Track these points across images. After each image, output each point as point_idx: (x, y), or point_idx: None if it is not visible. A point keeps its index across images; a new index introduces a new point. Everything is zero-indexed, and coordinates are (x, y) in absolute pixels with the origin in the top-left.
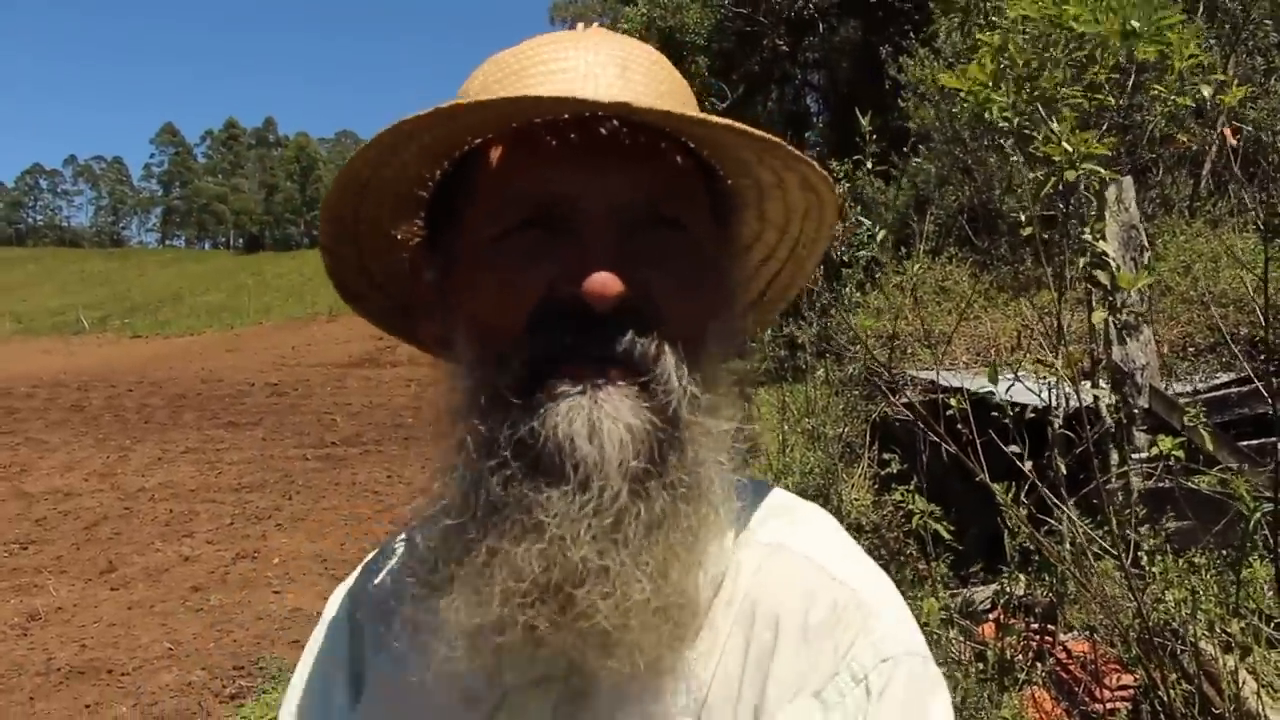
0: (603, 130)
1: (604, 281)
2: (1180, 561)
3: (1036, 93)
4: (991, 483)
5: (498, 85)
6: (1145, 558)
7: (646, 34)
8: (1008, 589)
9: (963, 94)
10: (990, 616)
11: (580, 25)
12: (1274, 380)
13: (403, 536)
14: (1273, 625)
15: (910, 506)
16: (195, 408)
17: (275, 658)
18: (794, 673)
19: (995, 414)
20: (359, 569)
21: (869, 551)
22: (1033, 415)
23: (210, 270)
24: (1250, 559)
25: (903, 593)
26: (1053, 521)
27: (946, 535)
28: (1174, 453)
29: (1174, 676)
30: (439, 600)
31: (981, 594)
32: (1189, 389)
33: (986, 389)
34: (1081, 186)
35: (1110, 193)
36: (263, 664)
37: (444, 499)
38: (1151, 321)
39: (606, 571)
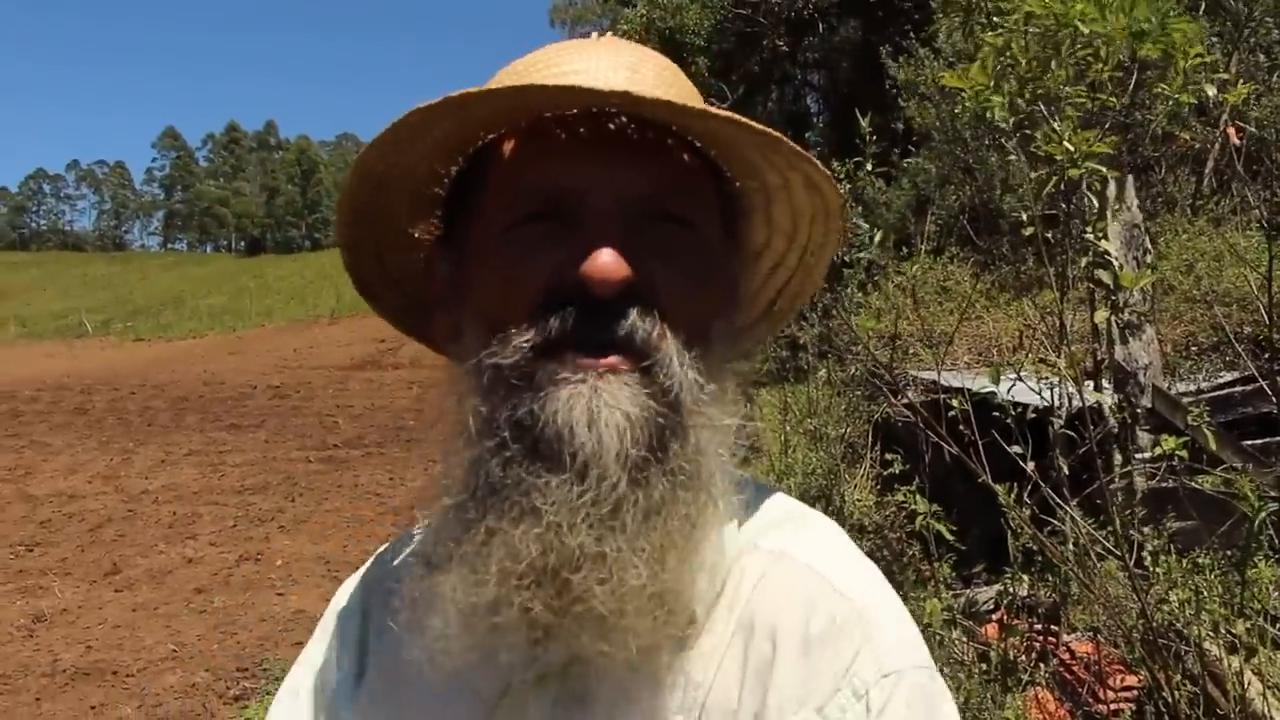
0: (611, 126)
1: (607, 266)
2: (1184, 562)
3: (1040, 91)
4: (994, 483)
5: (510, 82)
6: (1149, 558)
7: (646, 35)
8: (1011, 589)
9: (964, 94)
10: (993, 617)
11: (594, 34)
12: (1278, 379)
13: (417, 529)
14: (1278, 626)
15: (913, 507)
16: (198, 410)
17: (279, 659)
18: (794, 684)
19: (998, 414)
20: (372, 558)
21: (872, 553)
22: (1034, 415)
23: (212, 273)
24: (1255, 559)
25: (906, 594)
26: (1056, 522)
27: (949, 536)
28: (1177, 452)
29: (1178, 677)
30: (436, 579)
31: (985, 595)
32: (1192, 388)
33: (988, 389)
34: (1083, 186)
35: (1112, 191)
36: (266, 666)
37: (446, 480)
38: (1154, 321)
39: (603, 557)
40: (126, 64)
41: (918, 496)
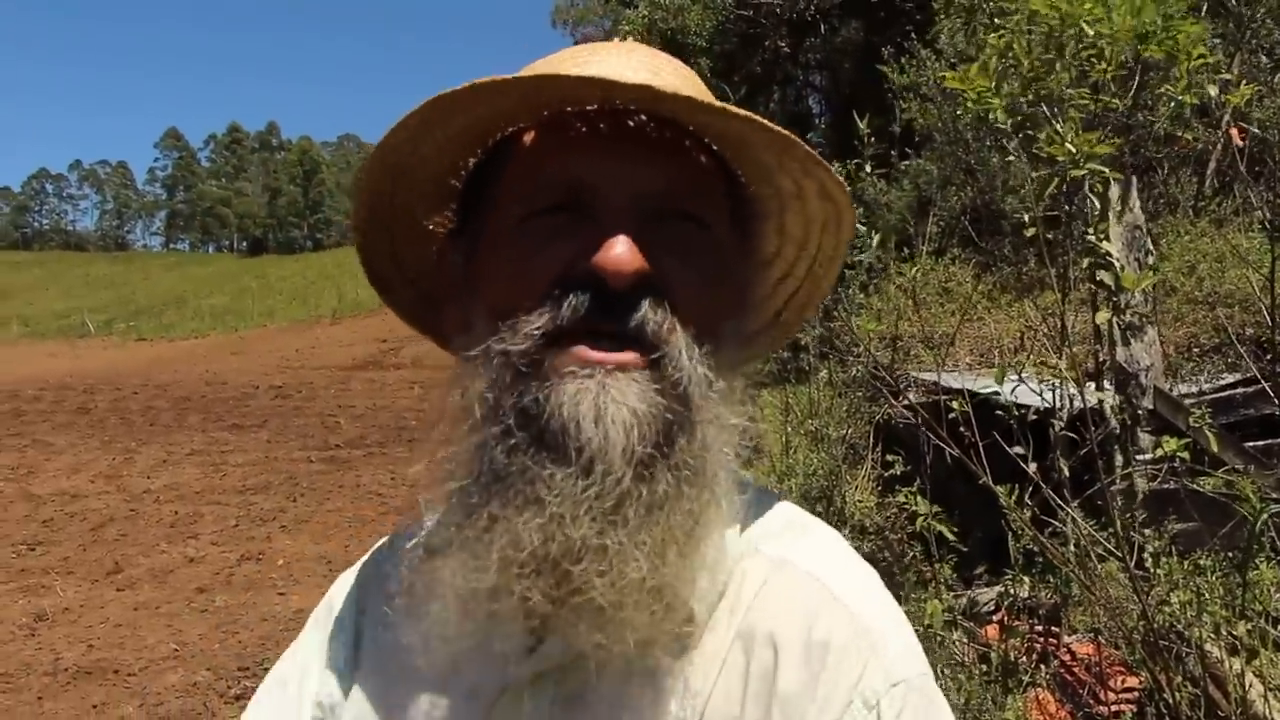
0: (630, 123)
1: (621, 257)
2: (1185, 563)
3: (1044, 93)
4: (995, 485)
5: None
6: (1150, 560)
7: (648, 36)
8: (1012, 591)
9: (965, 96)
10: (994, 618)
11: (616, 39)
12: None
13: (414, 524)
14: (1279, 628)
15: (914, 508)
16: (200, 410)
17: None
18: (801, 697)
19: (1000, 413)
20: (369, 553)
21: (873, 554)
22: (1036, 417)
23: (214, 273)
24: (1256, 560)
25: (907, 595)
26: (1057, 523)
27: (950, 537)
28: (1179, 454)
29: (1179, 679)
30: (437, 563)
31: (986, 596)
32: (1194, 390)
33: (989, 390)
34: (1086, 187)
35: (1114, 193)
36: (267, 665)
37: (449, 465)
38: (1156, 322)
39: (604, 550)
40: (129, 65)
41: (919, 498)
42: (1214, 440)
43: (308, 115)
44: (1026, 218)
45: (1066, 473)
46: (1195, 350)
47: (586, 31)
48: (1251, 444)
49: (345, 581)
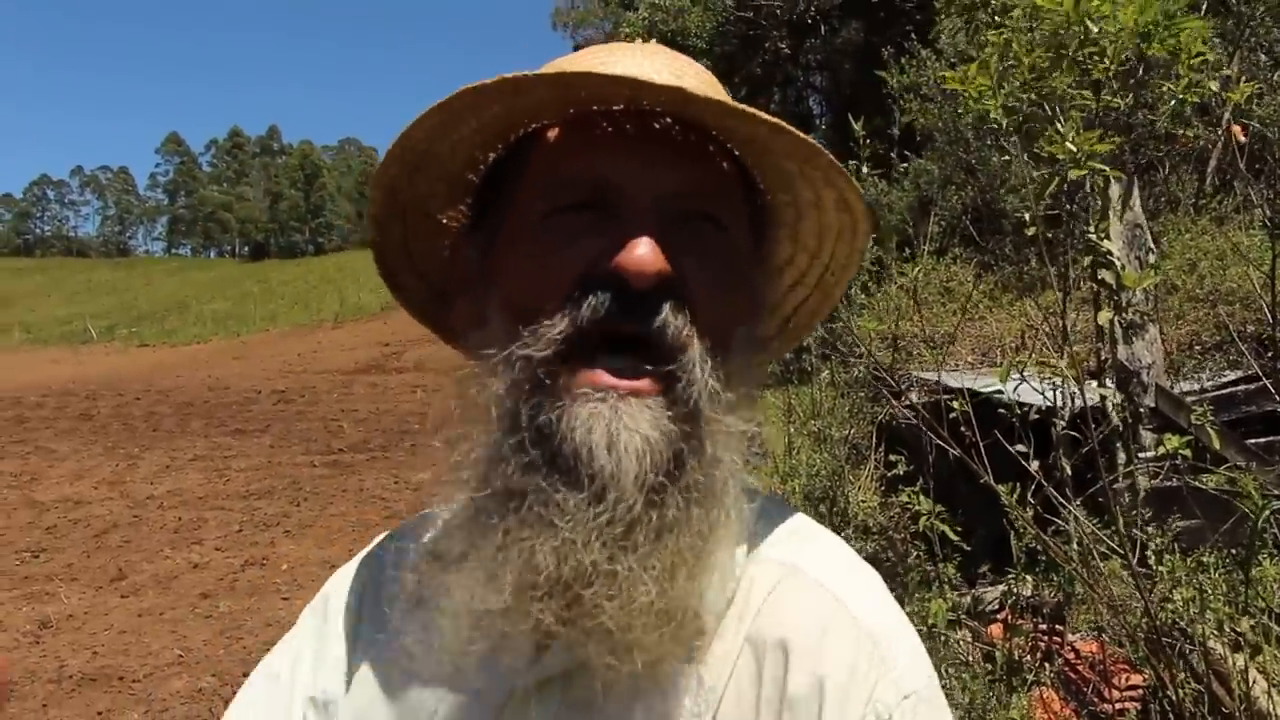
0: (656, 125)
1: (644, 258)
2: (1188, 560)
3: (1046, 91)
4: (998, 484)
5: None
6: (1153, 557)
7: (648, 38)
8: (1015, 590)
9: (966, 95)
10: (998, 617)
11: (638, 40)
12: None
13: (421, 515)
14: None
15: (917, 508)
16: (202, 415)
17: None
18: (809, 701)
19: (1002, 412)
20: (369, 548)
21: (876, 554)
22: (1038, 416)
23: (216, 278)
24: (1259, 557)
25: (910, 594)
26: (1060, 522)
27: (953, 536)
28: (1181, 451)
29: (1183, 676)
30: (448, 576)
31: (990, 595)
32: (1196, 387)
33: (991, 389)
34: (1087, 186)
35: (1114, 191)
36: None
37: (463, 471)
38: (1158, 320)
39: (614, 575)
40: (130, 70)
41: (921, 497)
42: (1216, 437)
43: (309, 119)
44: (1027, 217)
45: (1069, 471)
46: (1197, 348)
47: (587, 34)
48: (1253, 441)
49: (344, 576)
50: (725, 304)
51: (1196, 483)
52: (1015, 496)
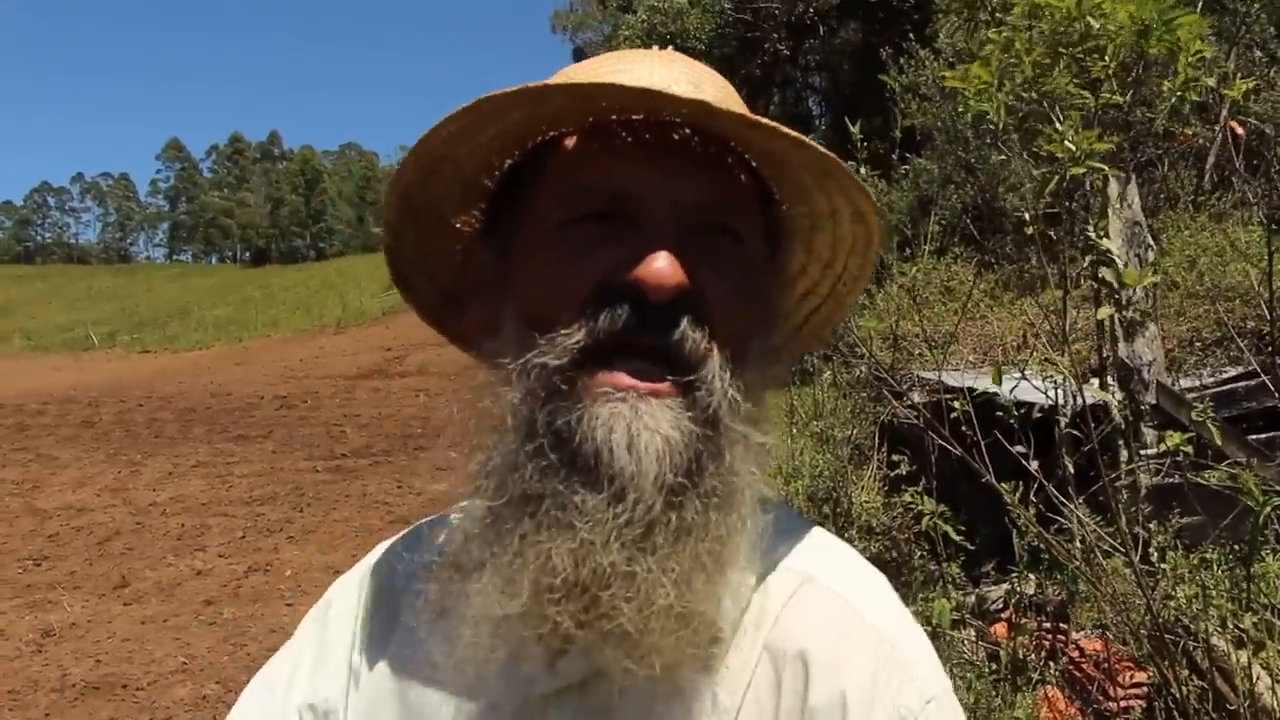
0: (675, 136)
1: (663, 271)
2: (1191, 557)
3: (1046, 88)
4: (1000, 482)
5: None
6: (1155, 554)
7: (647, 41)
8: (1019, 588)
9: (968, 93)
10: (1002, 616)
11: (655, 46)
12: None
13: (429, 522)
14: None
15: (920, 508)
16: (205, 421)
17: None
18: (831, 710)
19: (1001, 414)
20: (377, 555)
21: (880, 554)
22: (1041, 414)
23: (217, 284)
24: (1261, 553)
25: (914, 594)
26: (1062, 520)
27: (956, 536)
28: (1182, 448)
29: (1187, 673)
30: (466, 584)
31: (994, 594)
32: (1197, 384)
33: (992, 388)
34: (1086, 184)
35: (1113, 189)
36: None
37: (479, 480)
38: (1158, 317)
39: (633, 577)
40: (129, 76)
41: (924, 497)
42: (1217, 434)
43: (309, 125)
44: (1026, 215)
45: (1071, 469)
46: (1198, 344)
47: (586, 37)
48: (1254, 437)
49: (347, 583)
50: (743, 316)
51: (1198, 479)
52: (1018, 495)
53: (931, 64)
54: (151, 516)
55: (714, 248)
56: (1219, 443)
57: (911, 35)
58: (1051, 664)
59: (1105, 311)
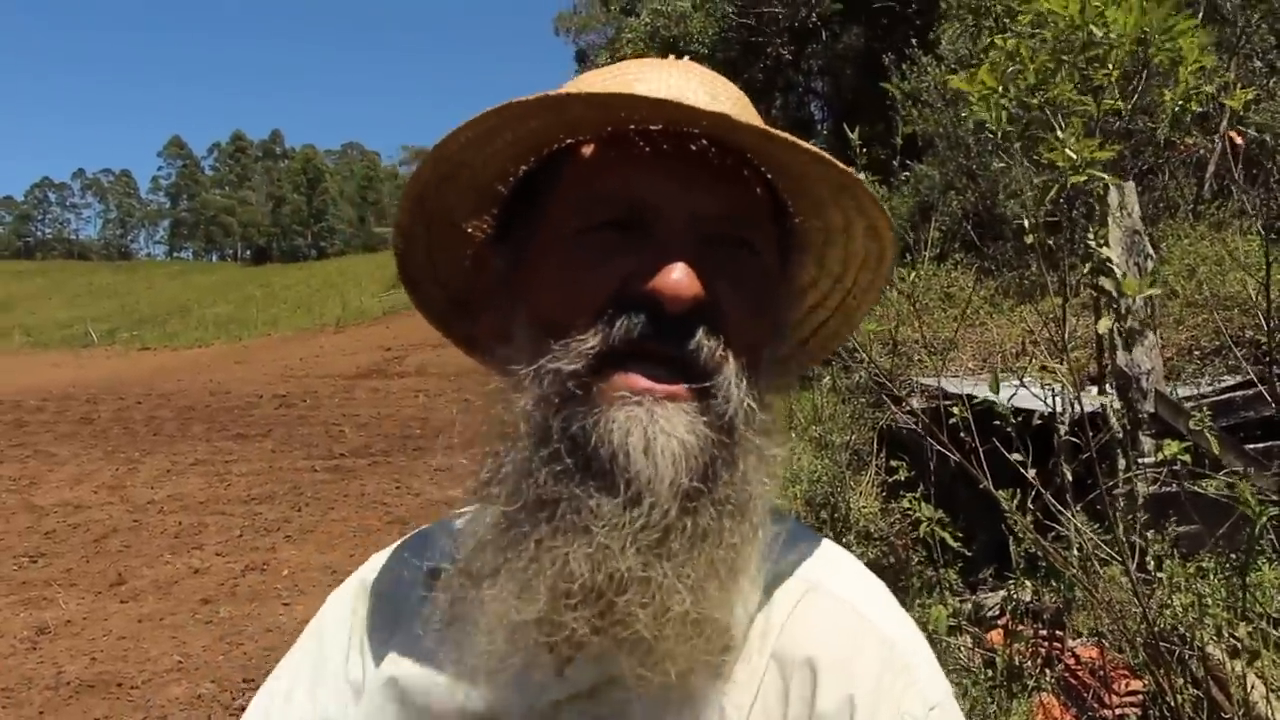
0: (693, 147)
1: (680, 283)
2: (1187, 566)
3: (1049, 95)
4: (999, 489)
5: (598, 88)
6: (1152, 562)
7: (650, 44)
8: (1015, 595)
9: (972, 98)
10: (999, 623)
11: (671, 55)
12: (1277, 383)
13: (436, 526)
14: None
15: (918, 514)
16: (204, 419)
17: None
18: (838, 717)
19: (1000, 421)
20: (383, 560)
21: (877, 560)
22: (1040, 422)
23: (218, 282)
24: (1257, 562)
25: (912, 600)
26: (1060, 527)
27: (954, 543)
28: (1180, 456)
29: (1182, 682)
30: (481, 591)
31: (990, 600)
32: (1195, 392)
33: (991, 395)
34: (1091, 194)
35: (1113, 198)
36: None
37: (492, 486)
38: (1156, 326)
39: (648, 582)
40: (132, 73)
41: (922, 503)
42: (1215, 443)
43: (311, 123)
44: (1027, 223)
45: (1069, 477)
46: (1196, 353)
47: (589, 40)
48: (1252, 446)
49: (343, 595)
50: (756, 327)
51: (1195, 488)
52: (1015, 502)
53: (934, 70)
54: (149, 514)
55: (730, 260)
56: (1216, 452)
57: (914, 41)
58: (1047, 671)
59: (1105, 324)
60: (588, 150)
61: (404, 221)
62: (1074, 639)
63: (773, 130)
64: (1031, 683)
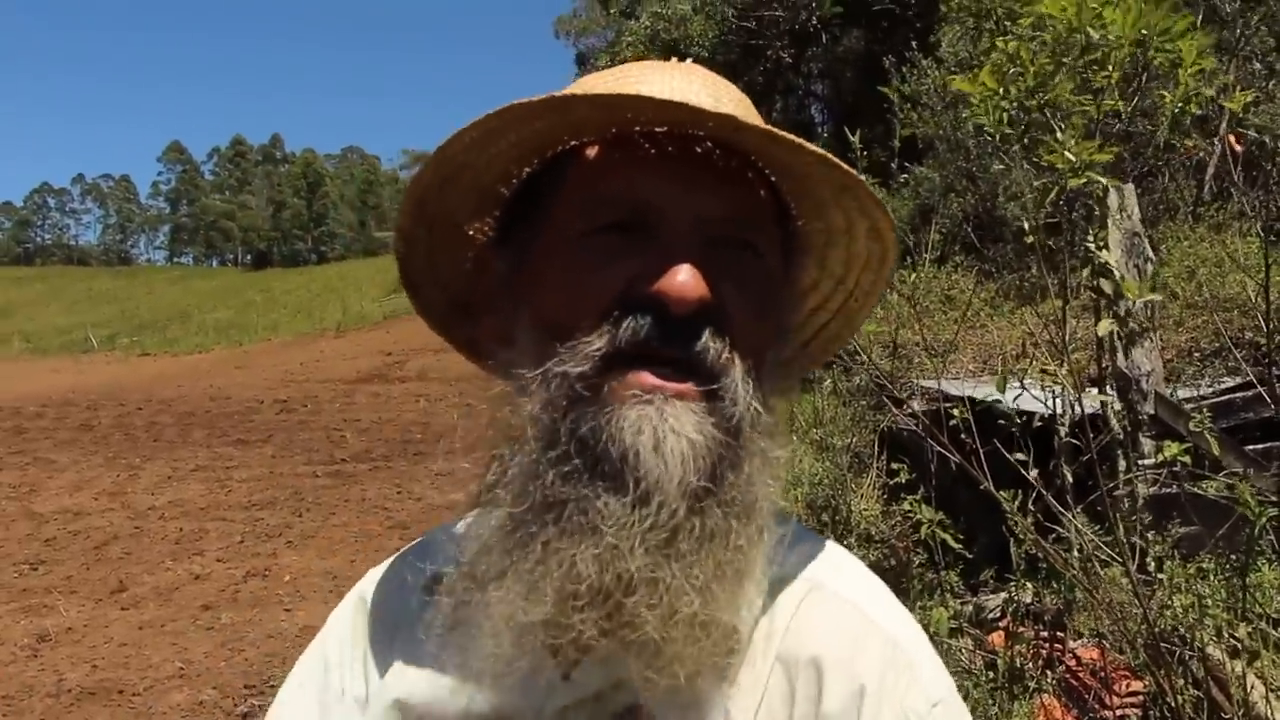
0: (698, 149)
1: (685, 285)
2: (1187, 567)
3: (1049, 96)
4: (999, 491)
5: (602, 89)
6: (1152, 564)
7: (650, 47)
8: (1016, 597)
9: (973, 100)
10: (1000, 625)
11: (674, 59)
12: (1277, 384)
13: (440, 530)
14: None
15: (919, 516)
16: (204, 425)
17: (286, 676)
18: (843, 716)
19: (1002, 422)
20: (385, 567)
21: (879, 562)
22: (1040, 424)
23: (218, 287)
24: (1257, 563)
25: (913, 602)
26: (1060, 529)
27: (954, 544)
28: (1180, 458)
29: (1182, 682)
30: (486, 593)
31: (991, 602)
32: (1195, 394)
33: (992, 397)
34: (1091, 196)
35: (1112, 200)
36: (274, 682)
37: (498, 489)
38: (1156, 328)
39: (656, 583)
40: (131, 77)
41: (923, 505)
42: (1215, 444)
43: (311, 128)
44: (1027, 225)
45: (1069, 478)
46: (1196, 354)
47: (589, 43)
48: (1252, 447)
49: (343, 609)
50: (760, 329)
51: (1196, 489)
52: (1016, 504)
53: (934, 73)
54: (149, 521)
55: (735, 262)
56: (1216, 453)
57: (914, 44)
58: (1049, 672)
59: (1105, 327)
60: (592, 152)
61: (405, 224)
62: (1075, 640)
63: (777, 131)
64: (1033, 684)
